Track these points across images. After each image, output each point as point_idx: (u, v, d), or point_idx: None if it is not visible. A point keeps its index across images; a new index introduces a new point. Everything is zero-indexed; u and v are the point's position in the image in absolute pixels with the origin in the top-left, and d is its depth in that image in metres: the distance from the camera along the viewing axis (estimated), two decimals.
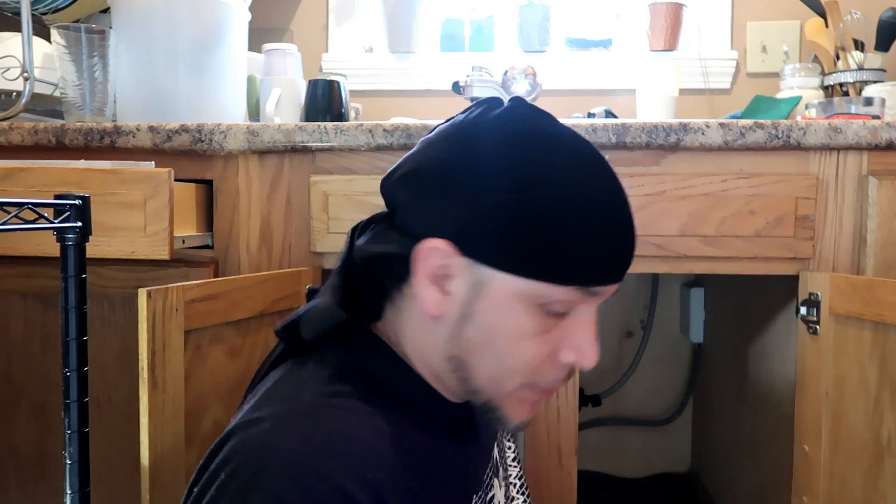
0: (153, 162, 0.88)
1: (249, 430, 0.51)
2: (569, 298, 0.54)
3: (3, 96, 1.19)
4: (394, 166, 0.60)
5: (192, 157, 1.00)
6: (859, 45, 1.38)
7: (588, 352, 0.56)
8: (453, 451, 0.59)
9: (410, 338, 0.59)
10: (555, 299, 0.54)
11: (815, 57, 1.48)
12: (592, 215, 0.53)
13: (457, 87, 1.37)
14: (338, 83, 1.19)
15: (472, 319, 0.55)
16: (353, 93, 1.62)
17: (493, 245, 0.53)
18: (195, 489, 0.50)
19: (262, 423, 0.51)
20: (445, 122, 0.60)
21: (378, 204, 0.97)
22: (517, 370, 0.56)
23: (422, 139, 0.60)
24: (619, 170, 0.95)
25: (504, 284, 0.54)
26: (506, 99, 0.60)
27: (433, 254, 0.55)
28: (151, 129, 0.98)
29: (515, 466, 0.77)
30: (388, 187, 0.60)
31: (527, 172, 0.53)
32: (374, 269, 0.59)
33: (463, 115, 0.59)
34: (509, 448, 0.77)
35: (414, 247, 0.55)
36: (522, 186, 0.53)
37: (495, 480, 0.69)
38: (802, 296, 0.94)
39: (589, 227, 0.53)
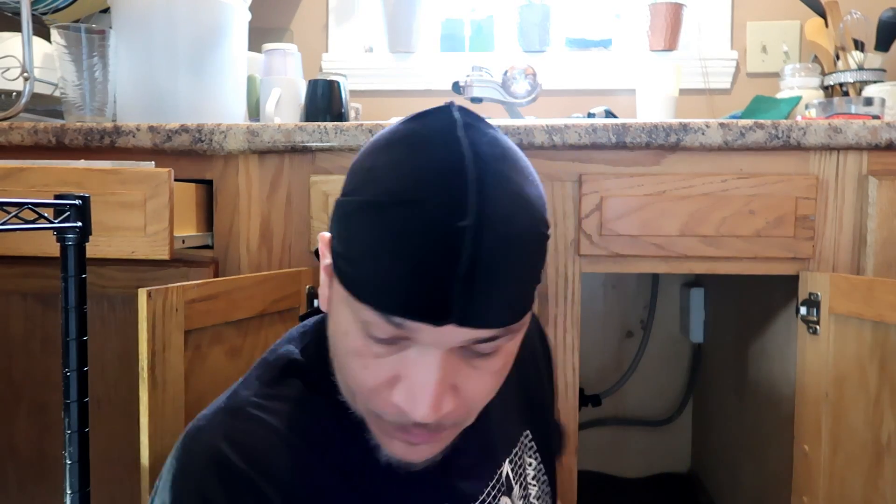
0: (153, 162, 0.88)
1: (190, 428, 0.54)
2: (377, 322, 0.46)
3: (3, 96, 1.19)
4: None
5: (192, 157, 1.00)
6: (859, 45, 1.38)
7: (417, 399, 0.47)
8: (401, 462, 0.54)
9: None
10: (365, 319, 0.47)
11: (815, 57, 1.48)
12: (392, 231, 0.45)
13: (457, 87, 1.37)
14: (338, 83, 1.19)
15: (330, 318, 0.53)
16: (353, 93, 1.62)
17: (330, 242, 0.52)
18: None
19: (201, 420, 0.54)
20: None
21: None
22: (358, 390, 0.51)
23: None
24: (619, 170, 0.97)
25: (337, 286, 0.50)
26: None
27: (322, 246, 0.54)
28: (151, 129, 0.98)
29: (535, 485, 0.71)
30: None
31: (359, 173, 0.50)
32: None
33: None
34: (530, 465, 0.71)
35: None
36: (353, 189, 0.50)
37: (505, 499, 0.64)
38: (802, 296, 0.93)
39: (383, 243, 0.45)
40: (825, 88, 1.41)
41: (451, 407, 0.49)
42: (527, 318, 0.51)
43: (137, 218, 0.83)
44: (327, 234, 0.53)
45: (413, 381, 0.47)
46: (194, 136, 0.97)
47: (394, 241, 0.45)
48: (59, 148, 0.99)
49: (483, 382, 0.51)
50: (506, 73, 1.36)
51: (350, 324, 0.49)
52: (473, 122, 0.49)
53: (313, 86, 1.18)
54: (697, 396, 1.64)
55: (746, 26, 1.59)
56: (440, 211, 0.44)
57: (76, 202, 0.66)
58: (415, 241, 0.44)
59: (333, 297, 0.52)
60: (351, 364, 0.50)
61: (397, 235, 0.45)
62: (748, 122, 0.94)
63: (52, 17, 1.22)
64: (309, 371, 0.58)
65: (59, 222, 0.65)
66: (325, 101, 1.18)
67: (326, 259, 0.53)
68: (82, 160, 0.92)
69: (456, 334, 0.46)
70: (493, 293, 0.46)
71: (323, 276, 0.55)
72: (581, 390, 1.50)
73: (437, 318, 0.45)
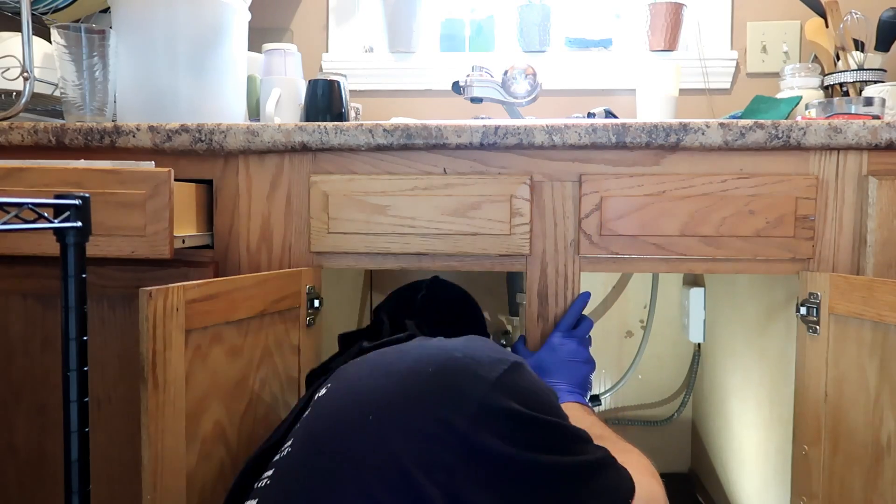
0: (153, 162, 0.88)
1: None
2: None
3: (3, 96, 1.19)
4: None
5: (192, 157, 1.00)
6: (859, 45, 1.38)
7: None
8: None
9: None
10: None
11: (815, 57, 1.48)
12: None
13: (457, 87, 1.37)
14: (338, 83, 1.19)
15: None
16: (353, 93, 1.62)
17: None
18: None
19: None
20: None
21: (377, 203, 0.97)
22: None
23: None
24: (619, 170, 0.97)
25: None
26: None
27: None
28: (151, 128, 0.98)
29: None
30: None
31: None
32: None
33: None
34: None
35: None
36: None
37: None
38: (802, 296, 0.94)
39: None
40: (825, 88, 1.41)
41: None
42: None
43: (137, 218, 0.83)
44: None
45: None
46: (194, 136, 0.97)
47: None
48: (59, 148, 0.99)
49: None
50: (506, 73, 1.37)
51: None
52: None
53: (313, 86, 1.18)
54: (697, 396, 1.64)
55: (746, 26, 1.59)
56: None
57: (76, 202, 0.66)
58: None
59: None
60: None
61: None
62: (748, 122, 0.94)
63: (52, 17, 1.22)
64: None
65: (59, 222, 0.65)
66: (325, 101, 1.18)
67: None
68: (82, 160, 0.92)
69: None
70: None
71: None
72: None
73: None
